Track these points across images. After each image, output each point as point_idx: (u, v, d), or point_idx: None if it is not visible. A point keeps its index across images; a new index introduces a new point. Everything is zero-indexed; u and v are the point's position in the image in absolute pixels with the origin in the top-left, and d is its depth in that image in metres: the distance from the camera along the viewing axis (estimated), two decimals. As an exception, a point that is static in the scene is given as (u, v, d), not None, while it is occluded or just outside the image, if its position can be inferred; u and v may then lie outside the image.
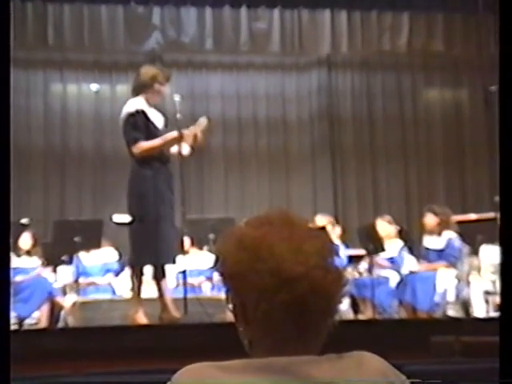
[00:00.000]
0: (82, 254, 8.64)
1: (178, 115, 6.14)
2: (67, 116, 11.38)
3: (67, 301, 8.40)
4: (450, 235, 8.32)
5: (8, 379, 2.26)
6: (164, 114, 6.26)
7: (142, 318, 6.03)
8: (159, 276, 6.15)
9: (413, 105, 12.10)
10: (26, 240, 8.71)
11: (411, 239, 9.38)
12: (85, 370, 4.43)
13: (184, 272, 6.44)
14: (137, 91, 6.16)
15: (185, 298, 6.22)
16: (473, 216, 8.68)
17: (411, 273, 8.40)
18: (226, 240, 1.53)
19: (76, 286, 8.41)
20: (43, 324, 8.41)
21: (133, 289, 6.23)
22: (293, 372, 1.40)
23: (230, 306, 1.51)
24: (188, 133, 6.07)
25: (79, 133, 11.37)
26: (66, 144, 11.30)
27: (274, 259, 1.43)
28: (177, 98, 6.23)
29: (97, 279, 9.05)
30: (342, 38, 11.06)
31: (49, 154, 11.27)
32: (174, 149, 6.15)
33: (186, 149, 6.13)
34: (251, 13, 10.86)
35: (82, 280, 8.61)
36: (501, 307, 2.64)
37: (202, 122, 6.18)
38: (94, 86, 10.93)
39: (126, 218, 6.40)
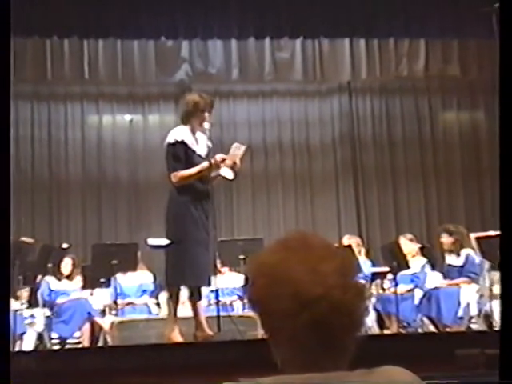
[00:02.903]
0: (119, 276, 8.91)
1: (209, 143, 6.38)
2: (103, 145, 11.88)
3: (106, 321, 8.68)
4: (468, 252, 8.59)
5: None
6: (211, 141, 6.42)
7: (177, 337, 6.19)
8: (195, 297, 6.35)
9: (431, 127, 12.45)
10: (66, 264, 9.06)
11: (433, 256, 9.69)
12: None
13: (217, 291, 6.77)
14: (183, 120, 6.35)
15: (218, 317, 6.49)
16: (492, 233, 8.93)
17: (435, 288, 8.65)
18: (249, 267, 1.58)
19: (114, 307, 8.76)
20: (85, 343, 8.68)
21: (169, 309, 6.44)
22: None
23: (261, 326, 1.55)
24: (219, 158, 6.20)
25: (114, 161, 11.88)
26: (103, 172, 11.79)
27: (291, 283, 1.45)
28: (207, 125, 6.31)
29: (134, 300, 9.35)
30: (361, 65, 11.34)
31: (86, 182, 11.74)
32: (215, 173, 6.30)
33: (229, 173, 6.24)
34: (274, 43, 11.17)
35: (119, 301, 8.91)
36: (501, 312, 2.84)
37: (241, 149, 6.29)
38: (128, 117, 11.42)
39: (160, 241, 6.69)
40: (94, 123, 12.00)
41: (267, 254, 1.54)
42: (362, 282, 1.66)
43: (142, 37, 10.88)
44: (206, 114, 6.28)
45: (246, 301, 8.95)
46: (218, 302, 6.76)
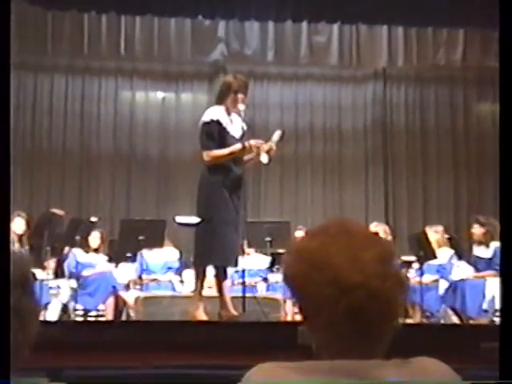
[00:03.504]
0: (145, 252, 8.96)
1: (244, 124, 6.35)
2: (135, 122, 11.96)
3: (130, 296, 8.77)
4: (497, 245, 8.49)
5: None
6: (247, 123, 6.40)
7: (202, 315, 6.22)
8: (221, 276, 6.36)
9: (464, 118, 12.39)
10: (95, 237, 9.12)
11: (461, 248, 9.65)
12: (145, 362, 4.56)
13: (243, 272, 6.81)
14: (217, 100, 6.32)
15: (243, 297, 6.53)
16: (521, 226, 8.87)
17: (461, 280, 8.61)
18: (288, 251, 1.57)
19: (139, 282, 8.83)
20: (108, 317, 8.74)
21: (195, 287, 6.44)
22: (362, 375, 1.42)
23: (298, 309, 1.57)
24: (254, 143, 6.18)
25: (145, 138, 11.95)
26: (133, 148, 11.89)
27: (331, 269, 1.45)
28: (242, 107, 6.24)
29: (158, 276, 9.39)
30: (397, 53, 11.31)
31: (117, 158, 11.85)
32: (250, 156, 6.29)
33: (264, 157, 6.22)
34: (311, 27, 11.15)
35: (144, 276, 8.95)
36: (501, 309, 2.82)
37: (278, 134, 6.33)
38: (161, 95, 11.48)
39: (189, 220, 6.73)
40: (127, 99, 12.07)
41: (307, 239, 1.55)
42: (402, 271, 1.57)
43: (180, 15, 10.90)
44: (240, 96, 6.22)
45: (270, 281, 9.03)
46: (244, 283, 6.76)
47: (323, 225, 1.58)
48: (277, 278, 9.28)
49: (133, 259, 9.00)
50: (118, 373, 4.15)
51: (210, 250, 6.18)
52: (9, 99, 2.24)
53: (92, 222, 8.90)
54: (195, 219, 6.35)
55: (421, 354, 1.51)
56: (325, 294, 1.45)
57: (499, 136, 2.79)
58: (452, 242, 9.46)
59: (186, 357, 4.84)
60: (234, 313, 6.28)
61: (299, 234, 9.26)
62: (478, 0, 10.88)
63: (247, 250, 9.18)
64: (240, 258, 7.84)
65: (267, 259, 9.40)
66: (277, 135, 6.36)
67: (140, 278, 8.82)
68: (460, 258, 9.19)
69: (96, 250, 9.20)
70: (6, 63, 2.23)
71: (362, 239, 1.51)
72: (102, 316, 8.89)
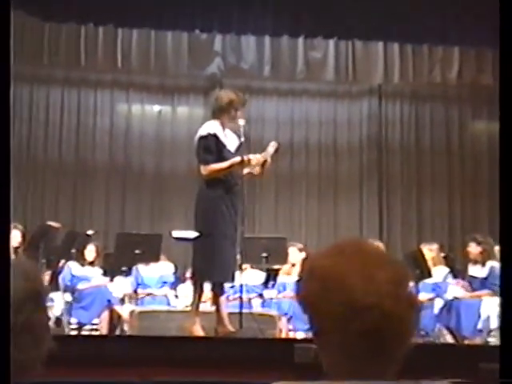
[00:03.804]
0: (140, 266, 8.98)
1: (242, 139, 6.33)
2: (130, 135, 11.95)
3: (125, 310, 8.71)
4: (493, 264, 8.50)
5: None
6: (239, 138, 6.37)
7: (199, 331, 6.21)
8: (218, 292, 6.35)
9: (459, 136, 12.44)
10: (90, 251, 9.06)
11: (456, 267, 9.67)
12: (141, 377, 4.61)
13: (241, 287, 6.78)
14: (214, 114, 6.31)
15: (240, 313, 6.44)
16: (517, 246, 8.88)
17: (456, 299, 8.61)
18: (304, 268, 1.61)
19: (134, 296, 8.81)
20: (103, 331, 8.68)
21: (192, 302, 6.42)
22: None
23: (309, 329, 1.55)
24: (252, 158, 6.24)
25: (141, 151, 11.93)
26: (129, 161, 11.86)
27: (344, 289, 1.44)
28: (242, 122, 6.34)
29: (154, 290, 9.35)
30: (393, 69, 11.35)
31: (112, 170, 11.83)
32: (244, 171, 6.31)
33: (257, 169, 6.32)
34: (308, 42, 11.18)
35: (139, 291, 8.96)
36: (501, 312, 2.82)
37: (273, 146, 6.37)
38: (157, 108, 11.47)
39: (186, 234, 6.76)
40: (123, 112, 12.07)
41: (321, 257, 1.53)
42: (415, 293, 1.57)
43: (177, 28, 10.92)
44: (239, 112, 6.31)
45: (266, 297, 9.00)
46: (241, 299, 6.72)
47: (338, 244, 1.57)
48: (272, 294, 9.26)
49: (128, 273, 8.99)
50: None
51: (209, 266, 6.17)
52: (9, 113, 2.22)
53: (88, 235, 8.88)
54: (192, 234, 6.35)
55: (417, 373, 1.51)
56: (338, 313, 1.44)
57: (499, 156, 2.80)
58: (447, 261, 9.48)
59: (182, 372, 4.83)
60: (231, 329, 6.25)
61: (293, 250, 9.25)
62: (474, 18, 10.94)
63: (243, 265, 9.17)
64: (236, 274, 7.84)
65: (263, 275, 9.38)
66: (272, 147, 6.40)
67: (135, 292, 8.83)
68: (455, 276, 9.20)
69: (91, 264, 9.14)
70: (6, 76, 2.21)
71: (376, 260, 1.50)
72: (96, 330, 8.83)
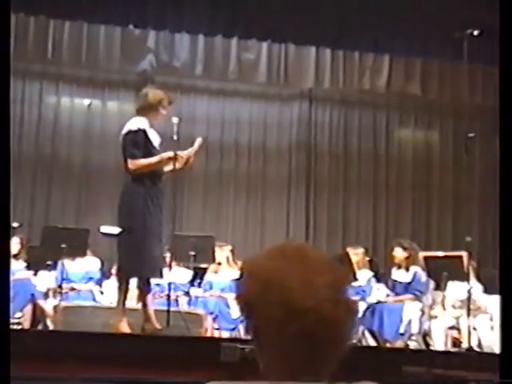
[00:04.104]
0: (66, 261, 8.81)
1: (175, 136, 6.45)
2: (59, 127, 11.75)
3: (49, 304, 8.65)
4: (416, 269, 8.71)
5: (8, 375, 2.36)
6: (160, 135, 6.47)
7: (125, 327, 6.17)
8: (144, 289, 6.35)
9: (386, 143, 12.64)
10: (15, 243, 8.92)
11: (379, 271, 9.83)
12: (62, 373, 4.66)
13: (169, 285, 6.78)
14: (141, 111, 6.37)
15: (168, 311, 6.47)
16: (440, 253, 9.12)
17: (379, 302, 8.78)
18: (243, 268, 1.57)
19: (59, 291, 8.59)
20: (25, 325, 8.56)
21: (118, 298, 6.37)
22: None
23: (245, 328, 1.57)
24: (182, 154, 6.33)
25: (69, 144, 11.75)
26: (56, 154, 11.66)
27: (283, 292, 1.44)
28: (175, 120, 6.54)
29: (79, 286, 9.26)
30: (324, 75, 11.47)
31: (38, 163, 11.62)
32: (167, 167, 6.40)
33: (180, 164, 6.37)
34: (241, 43, 11.23)
35: (64, 285, 8.73)
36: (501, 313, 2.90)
37: (198, 142, 6.47)
38: (87, 101, 11.32)
39: (114, 230, 6.62)
40: (51, 104, 11.86)
41: (263, 258, 1.53)
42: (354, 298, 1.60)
43: (110, 23, 10.84)
44: (165, 112, 6.43)
45: (193, 295, 8.99)
46: (168, 297, 6.73)
47: (280, 246, 1.56)
48: (198, 292, 9.26)
49: (53, 267, 8.87)
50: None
51: (135, 262, 6.15)
52: None
53: (13, 228, 8.69)
54: (119, 229, 6.32)
55: (341, 376, 1.51)
56: (275, 315, 1.44)
57: (499, 165, 2.87)
58: (371, 265, 9.63)
59: (108, 370, 4.86)
60: (158, 326, 6.25)
61: (219, 251, 9.28)
62: (405, 29, 11.18)
63: (169, 262, 9.14)
64: (167, 270, 7.83)
65: (190, 273, 9.37)
66: (197, 144, 6.49)
67: (60, 286, 8.58)
68: (378, 280, 9.36)
69: (15, 256, 9.00)
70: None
71: (316, 264, 1.50)
72: (18, 324, 8.68)
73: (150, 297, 6.44)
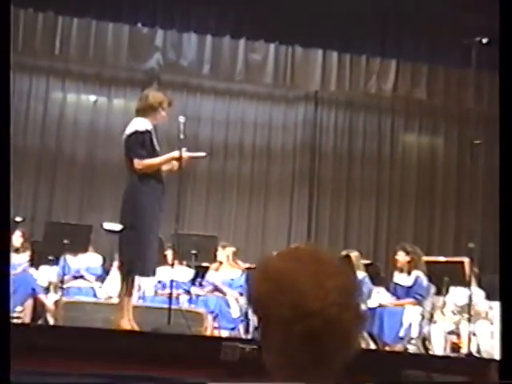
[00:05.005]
0: (68, 256, 8.82)
1: (182, 135, 6.56)
2: (64, 123, 11.77)
3: (50, 299, 8.67)
4: (418, 274, 8.70)
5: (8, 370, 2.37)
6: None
7: (126, 324, 6.22)
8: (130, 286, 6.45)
9: (391, 147, 12.64)
10: (17, 237, 8.96)
11: (379, 274, 9.83)
12: (62, 368, 4.66)
13: (171, 283, 6.80)
14: (141, 112, 6.46)
15: (169, 309, 6.52)
16: (442, 258, 9.12)
17: (380, 306, 8.74)
18: (257, 268, 1.61)
19: (60, 286, 8.63)
20: (26, 319, 8.59)
21: (121, 295, 6.42)
22: None
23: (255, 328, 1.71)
24: (186, 154, 6.44)
25: (74, 140, 11.78)
26: (60, 149, 11.68)
27: (294, 293, 1.46)
28: (182, 119, 6.66)
29: (80, 281, 9.28)
30: (331, 77, 11.48)
31: (43, 157, 11.67)
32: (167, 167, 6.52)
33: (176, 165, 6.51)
34: (249, 44, 11.25)
35: (66, 281, 8.78)
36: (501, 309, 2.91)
37: (204, 154, 6.74)
38: (93, 98, 11.34)
39: (117, 227, 6.65)
40: (57, 99, 11.89)
41: (277, 260, 1.56)
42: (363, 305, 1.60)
43: (118, 21, 10.86)
44: (164, 113, 6.50)
45: (193, 294, 9.01)
46: (170, 295, 6.74)
47: (295, 248, 1.61)
48: (199, 291, 9.27)
49: (55, 262, 8.89)
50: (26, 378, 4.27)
51: (138, 259, 6.24)
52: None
53: (16, 222, 8.73)
54: (121, 226, 6.39)
55: (341, 378, 1.53)
56: (283, 316, 1.45)
57: (499, 168, 2.88)
58: (371, 267, 9.61)
59: (108, 366, 4.85)
60: (135, 325, 6.30)
61: (220, 250, 9.31)
62: (413, 34, 11.18)
63: (172, 261, 9.15)
64: (165, 269, 7.87)
65: (191, 272, 9.38)
66: (202, 154, 6.83)
67: (61, 282, 8.62)
68: (373, 283, 9.34)
69: (17, 250, 9.04)
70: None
71: (328, 268, 1.52)
72: (18, 318, 8.68)
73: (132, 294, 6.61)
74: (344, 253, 9.28)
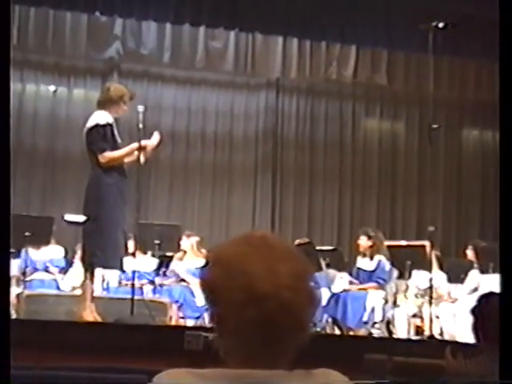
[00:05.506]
0: (30, 249, 8.76)
1: (141, 125, 6.56)
2: (24, 114, 11.61)
3: (12, 293, 8.58)
4: (380, 258, 8.79)
5: (8, 364, 2.37)
6: (125, 124, 6.81)
7: (88, 316, 6.23)
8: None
9: (352, 133, 12.68)
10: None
11: (342, 259, 9.88)
12: (24, 362, 4.54)
13: (133, 273, 6.79)
14: (102, 105, 6.46)
15: (132, 299, 6.53)
16: (404, 242, 9.20)
17: (344, 291, 8.80)
18: (208, 254, 1.59)
19: (22, 279, 8.58)
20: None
21: (84, 287, 6.45)
22: None
23: (209, 314, 1.64)
24: (148, 144, 6.48)
25: (34, 131, 11.67)
26: (21, 141, 11.46)
27: (245, 277, 1.46)
28: (140, 108, 6.66)
29: (43, 274, 9.22)
30: (291, 64, 11.50)
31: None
32: (129, 158, 6.51)
33: (142, 158, 6.50)
34: (209, 32, 11.21)
35: (28, 274, 8.75)
36: (501, 306, 2.92)
37: (156, 136, 6.61)
38: (52, 88, 11.22)
39: (79, 218, 6.64)
40: (16, 90, 11.63)
41: (228, 245, 1.55)
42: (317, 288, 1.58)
43: (76, 9, 10.73)
44: (125, 107, 6.52)
45: (157, 284, 9.00)
46: (133, 285, 6.74)
47: (245, 234, 1.58)
48: (163, 281, 9.25)
49: (16, 255, 8.73)
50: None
51: (101, 251, 6.28)
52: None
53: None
54: (84, 218, 6.39)
55: (303, 364, 1.52)
56: (235, 300, 1.45)
57: (499, 161, 2.88)
58: (333, 253, 9.65)
59: (72, 358, 4.81)
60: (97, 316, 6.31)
61: (184, 239, 9.30)
62: (372, 20, 11.22)
63: (133, 250, 9.14)
64: (127, 260, 7.83)
65: (155, 261, 9.35)
66: (155, 138, 6.62)
67: (23, 275, 8.59)
68: (339, 269, 9.39)
69: (-23, 244, 8.87)
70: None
71: (280, 253, 1.51)
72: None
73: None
74: (298, 241, 9.23)
